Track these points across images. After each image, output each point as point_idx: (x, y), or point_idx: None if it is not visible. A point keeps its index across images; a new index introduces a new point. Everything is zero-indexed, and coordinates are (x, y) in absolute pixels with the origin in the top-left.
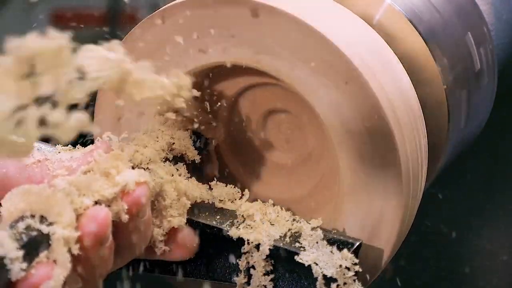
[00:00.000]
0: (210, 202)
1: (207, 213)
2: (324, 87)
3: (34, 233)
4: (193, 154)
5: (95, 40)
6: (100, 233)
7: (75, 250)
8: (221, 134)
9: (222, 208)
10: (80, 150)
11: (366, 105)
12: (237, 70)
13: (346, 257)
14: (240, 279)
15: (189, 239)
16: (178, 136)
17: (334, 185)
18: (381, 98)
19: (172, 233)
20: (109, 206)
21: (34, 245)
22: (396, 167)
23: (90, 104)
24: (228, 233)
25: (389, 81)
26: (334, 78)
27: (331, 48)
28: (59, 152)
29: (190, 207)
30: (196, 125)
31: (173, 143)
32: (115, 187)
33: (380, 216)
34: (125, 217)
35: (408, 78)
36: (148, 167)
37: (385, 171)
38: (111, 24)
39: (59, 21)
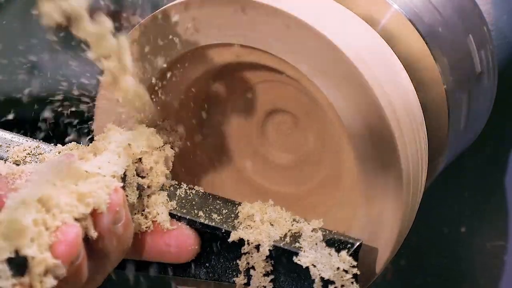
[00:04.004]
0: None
1: (206, 213)
2: (326, 87)
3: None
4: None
5: None
6: (71, 253)
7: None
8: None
9: (222, 208)
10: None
11: (367, 106)
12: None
13: (344, 260)
14: (239, 280)
15: (189, 241)
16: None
17: (334, 185)
18: (381, 98)
19: (172, 235)
20: (78, 221)
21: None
22: (397, 168)
23: (91, 104)
24: (228, 233)
25: (389, 81)
26: (334, 78)
27: (331, 48)
28: (59, 152)
29: (190, 206)
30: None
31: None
32: (86, 207)
33: (380, 216)
34: (94, 234)
35: (409, 79)
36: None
37: (386, 172)
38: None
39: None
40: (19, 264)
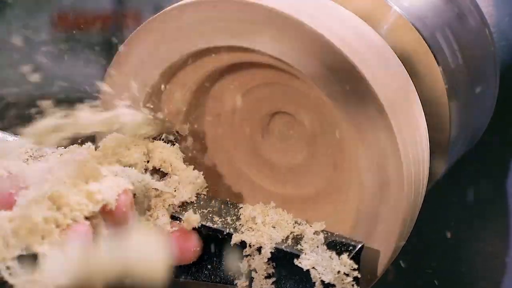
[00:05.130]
0: (212, 201)
1: (208, 215)
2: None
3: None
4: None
5: (97, 42)
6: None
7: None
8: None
9: (224, 210)
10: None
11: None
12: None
13: (345, 263)
14: (241, 282)
15: (191, 243)
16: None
17: (337, 187)
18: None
19: (173, 237)
20: (88, 219)
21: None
22: (398, 167)
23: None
24: (230, 236)
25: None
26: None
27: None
28: (61, 155)
29: (191, 208)
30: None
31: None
32: (95, 204)
33: (381, 218)
34: (105, 232)
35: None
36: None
37: (387, 171)
38: (115, 26)
39: (62, 23)
40: (29, 262)
